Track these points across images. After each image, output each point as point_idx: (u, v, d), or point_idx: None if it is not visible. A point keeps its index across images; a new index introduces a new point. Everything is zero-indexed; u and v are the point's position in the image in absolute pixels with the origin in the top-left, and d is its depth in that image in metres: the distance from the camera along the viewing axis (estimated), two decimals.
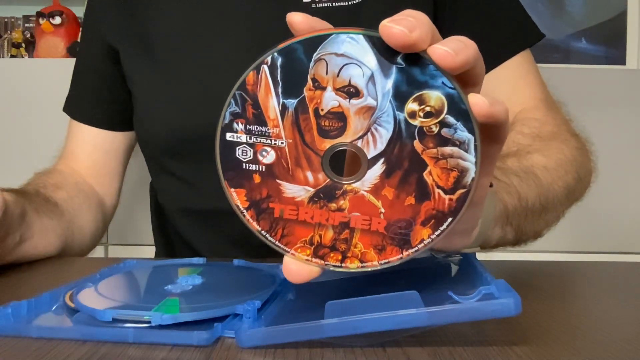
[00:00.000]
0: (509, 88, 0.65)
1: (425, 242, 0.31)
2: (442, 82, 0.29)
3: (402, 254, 0.31)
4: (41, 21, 1.40)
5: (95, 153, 0.73)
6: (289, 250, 0.32)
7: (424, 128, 0.30)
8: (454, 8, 0.64)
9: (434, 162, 0.30)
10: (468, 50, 0.29)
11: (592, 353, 0.32)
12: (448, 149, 0.30)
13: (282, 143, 0.31)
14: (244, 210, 0.32)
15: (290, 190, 0.32)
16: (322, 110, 0.30)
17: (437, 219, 0.31)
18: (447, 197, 0.30)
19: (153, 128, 0.66)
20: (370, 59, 0.29)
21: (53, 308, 0.38)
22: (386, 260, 0.32)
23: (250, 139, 0.31)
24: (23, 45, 1.52)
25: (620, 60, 1.56)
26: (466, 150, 0.30)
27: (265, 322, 0.33)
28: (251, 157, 0.32)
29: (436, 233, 0.31)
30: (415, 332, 0.32)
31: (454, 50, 0.28)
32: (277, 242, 0.32)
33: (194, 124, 0.63)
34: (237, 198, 0.32)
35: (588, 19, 1.57)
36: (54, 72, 1.20)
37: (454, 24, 0.63)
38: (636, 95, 1.31)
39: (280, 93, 0.30)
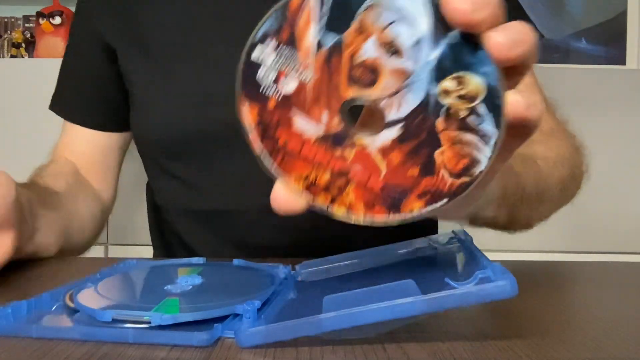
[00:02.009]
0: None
1: (414, 213, 0.30)
2: (487, 71, 0.28)
3: (389, 216, 0.31)
4: (41, 21, 1.40)
5: (91, 152, 0.73)
6: (283, 175, 0.31)
7: (452, 109, 0.29)
8: None
9: (449, 144, 0.29)
10: (525, 46, 0.27)
11: (592, 353, 0.32)
12: (468, 137, 0.29)
13: (307, 76, 0.30)
14: (252, 127, 0.31)
15: (302, 124, 0.31)
16: (357, 57, 0.29)
17: (434, 196, 0.30)
18: (450, 179, 0.30)
19: (150, 128, 0.66)
20: (423, 22, 0.28)
21: (53, 308, 0.38)
22: (371, 217, 0.31)
23: (277, 62, 0.30)
24: (23, 45, 1.52)
25: (620, 60, 1.56)
26: (485, 144, 0.29)
27: (265, 322, 0.33)
28: (272, 82, 0.30)
29: (427, 209, 0.30)
30: (415, 321, 0.32)
31: (512, 42, 0.27)
32: (274, 165, 0.31)
33: (192, 124, 0.63)
34: (248, 113, 0.31)
35: (588, 19, 1.57)
36: (54, 72, 1.19)
37: None
38: (636, 95, 1.31)
39: (321, 26, 0.29)
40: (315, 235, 0.63)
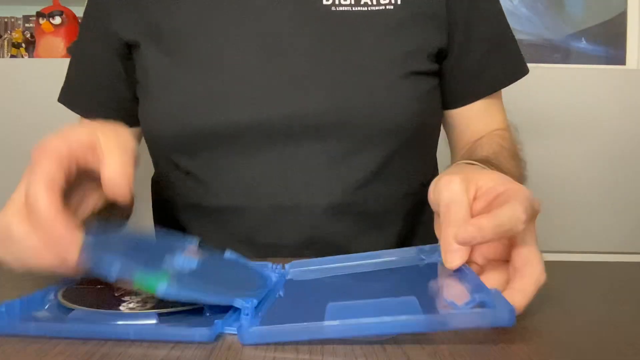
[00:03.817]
0: (493, 111, 0.73)
1: None
2: None
3: None
4: (41, 21, 1.40)
5: None
6: None
7: None
8: (467, 35, 0.68)
9: None
10: None
11: (592, 353, 0.32)
12: None
13: None
14: None
15: None
16: None
17: None
18: None
19: (164, 123, 0.66)
20: None
21: (46, 306, 0.38)
22: None
23: None
24: (23, 45, 1.52)
25: (620, 60, 1.56)
26: None
27: (261, 319, 0.34)
28: None
29: None
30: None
31: None
32: None
33: (206, 121, 0.63)
34: None
35: (588, 19, 1.57)
36: (54, 72, 1.19)
37: (465, 49, 0.69)
38: (636, 95, 1.31)
39: None
40: (322, 234, 0.63)
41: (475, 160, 0.54)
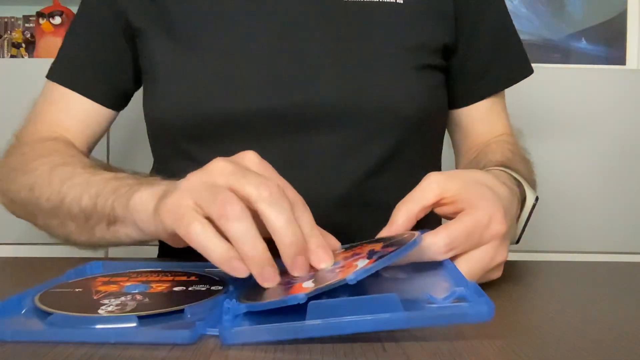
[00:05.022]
0: (498, 111, 0.75)
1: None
2: None
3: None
4: (41, 21, 1.40)
5: (89, 128, 0.71)
6: None
7: None
8: (473, 34, 0.70)
9: None
10: None
11: (593, 353, 0.32)
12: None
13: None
14: None
15: None
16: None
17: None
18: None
19: (174, 110, 0.65)
20: None
21: (23, 311, 0.38)
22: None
23: None
24: (23, 45, 1.52)
25: (620, 60, 1.56)
26: None
27: (245, 319, 0.34)
28: None
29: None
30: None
31: None
32: None
33: (216, 107, 0.63)
34: None
35: (588, 19, 1.57)
36: None
37: (471, 48, 0.70)
38: (636, 95, 1.31)
39: None
40: (331, 225, 0.63)
41: (494, 166, 0.58)
